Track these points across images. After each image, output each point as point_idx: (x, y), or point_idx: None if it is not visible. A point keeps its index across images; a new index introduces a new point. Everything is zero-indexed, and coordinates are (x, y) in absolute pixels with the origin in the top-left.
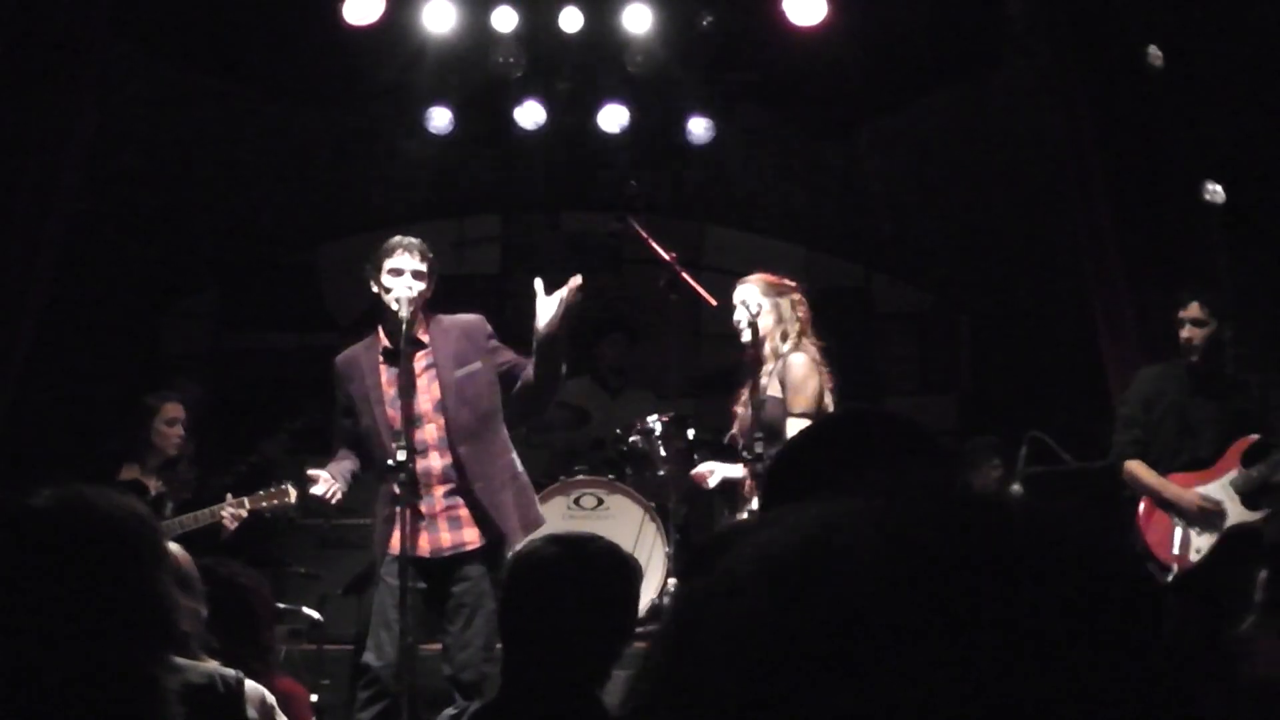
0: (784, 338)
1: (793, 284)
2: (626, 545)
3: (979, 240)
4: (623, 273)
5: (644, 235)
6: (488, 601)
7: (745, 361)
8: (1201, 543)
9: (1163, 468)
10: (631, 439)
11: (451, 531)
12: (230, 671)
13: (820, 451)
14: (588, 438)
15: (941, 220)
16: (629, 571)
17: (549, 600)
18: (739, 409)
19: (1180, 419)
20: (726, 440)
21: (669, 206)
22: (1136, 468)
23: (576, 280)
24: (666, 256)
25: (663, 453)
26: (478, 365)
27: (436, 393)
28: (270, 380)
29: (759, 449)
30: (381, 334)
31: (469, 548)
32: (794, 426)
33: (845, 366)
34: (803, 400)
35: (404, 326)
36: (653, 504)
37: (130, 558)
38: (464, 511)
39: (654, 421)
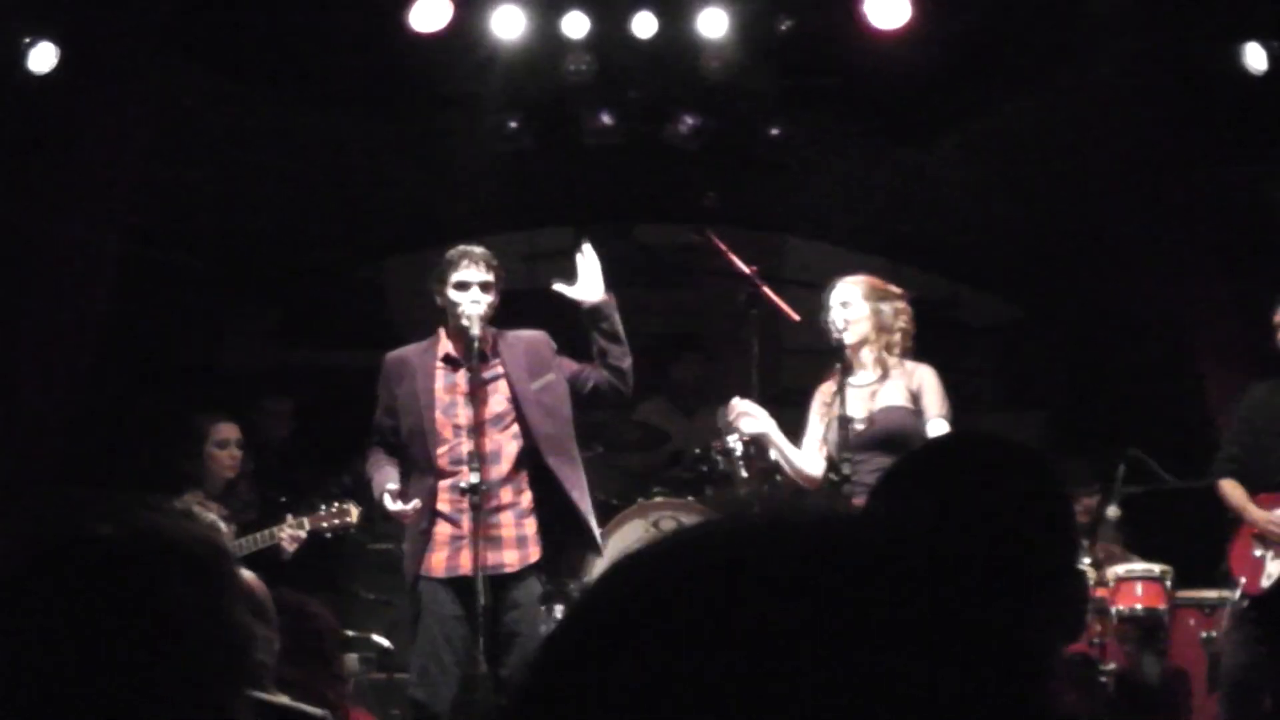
0: (889, 348)
1: (898, 291)
2: None
3: (1070, 249)
4: (698, 287)
5: (722, 248)
6: (541, 628)
7: (841, 367)
8: (1275, 568)
9: (1260, 488)
10: (711, 459)
11: (517, 549)
12: (317, 712)
13: (920, 470)
14: (665, 459)
15: (1030, 229)
16: None
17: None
18: (821, 414)
19: None
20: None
21: (747, 218)
22: (1228, 487)
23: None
24: (746, 270)
25: (744, 473)
26: (552, 376)
27: (501, 406)
28: (335, 399)
29: (846, 469)
30: (444, 339)
31: (531, 560)
32: (937, 428)
33: None
34: (944, 405)
35: (474, 343)
36: None
37: (204, 589)
38: (527, 528)
39: (734, 441)
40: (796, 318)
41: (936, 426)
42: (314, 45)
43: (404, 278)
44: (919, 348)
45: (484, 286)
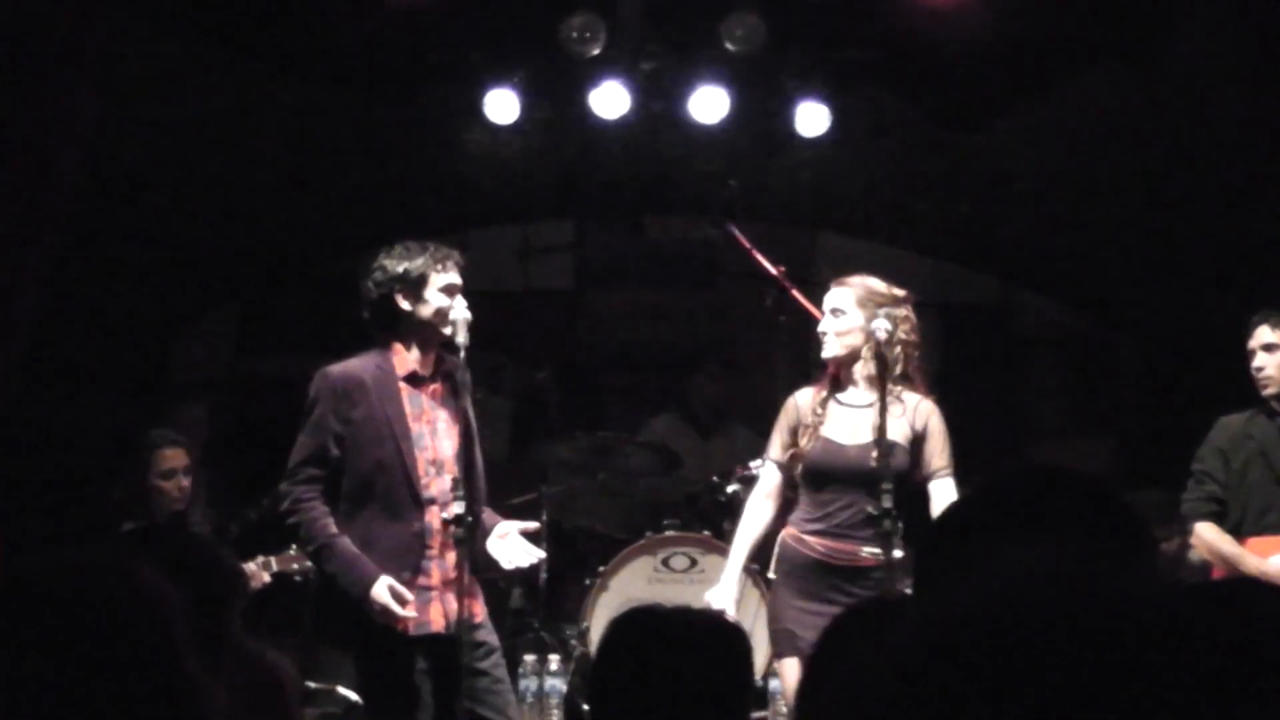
0: (887, 367)
1: (901, 294)
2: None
3: (1145, 248)
4: (718, 289)
5: (745, 244)
6: (536, 682)
7: (830, 378)
8: None
9: (1247, 531)
10: (731, 488)
11: (472, 598)
12: None
13: (992, 518)
14: (677, 486)
15: (1099, 224)
16: (738, 647)
17: (645, 688)
18: (804, 444)
19: (1269, 472)
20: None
21: (775, 210)
22: (1209, 532)
23: (533, 526)
24: (773, 270)
25: None
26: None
27: (456, 438)
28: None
29: (887, 503)
30: (401, 352)
31: (481, 617)
32: (944, 491)
33: (979, 401)
34: (949, 454)
35: (462, 353)
36: (755, 565)
37: (158, 638)
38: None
39: (758, 466)
40: None
41: (944, 489)
42: (278, 9)
43: None
44: (970, 361)
45: (463, 293)
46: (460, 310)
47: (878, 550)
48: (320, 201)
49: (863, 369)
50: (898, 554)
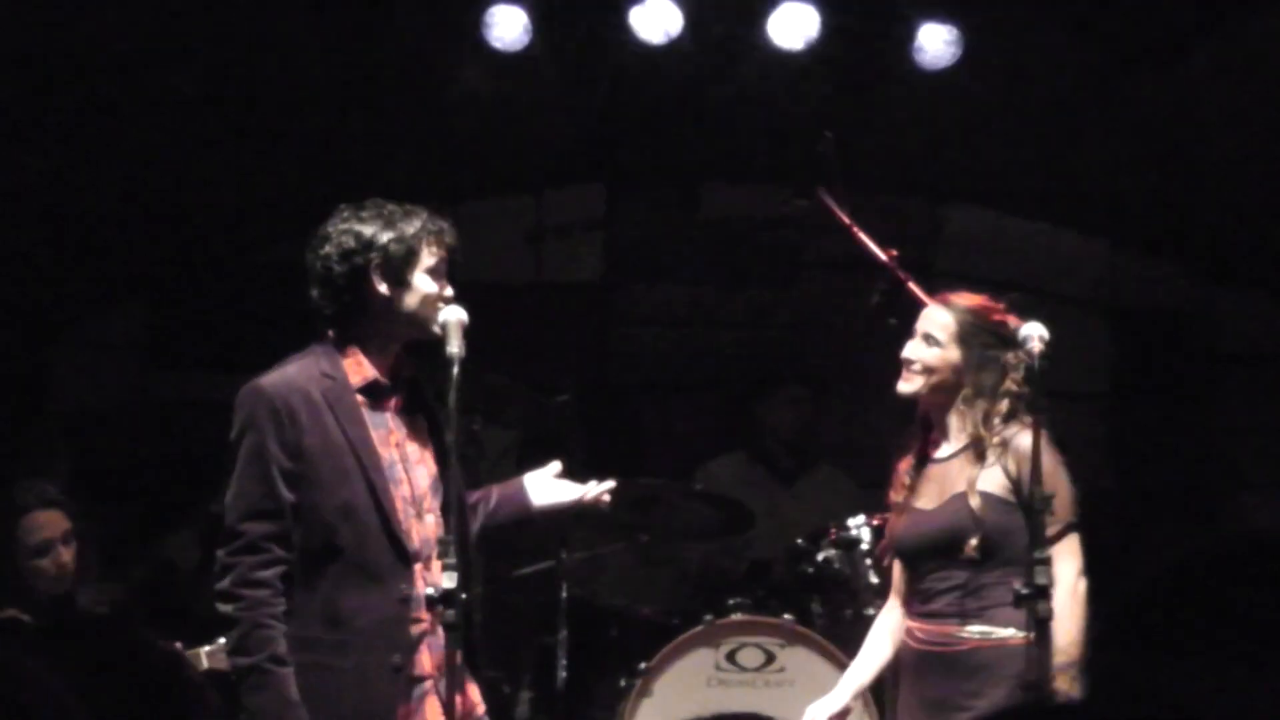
0: (986, 417)
1: (1014, 324)
2: None
3: None
4: (803, 283)
5: (844, 220)
6: None
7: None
8: None
9: None
10: (822, 554)
11: (470, 697)
12: None
13: (1179, 616)
14: (747, 552)
15: None
16: None
17: None
18: (898, 511)
19: None
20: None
21: (884, 174)
22: None
23: (608, 485)
24: (881, 255)
25: (874, 579)
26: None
27: (431, 465)
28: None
29: (1042, 579)
30: (360, 358)
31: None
32: (1068, 567)
33: (1161, 435)
34: (1068, 498)
35: (454, 367)
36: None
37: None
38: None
39: (859, 526)
40: None
41: (1068, 566)
42: None
43: None
44: (1156, 383)
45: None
46: (453, 310)
47: (982, 628)
48: (257, 162)
49: (955, 420)
50: (1020, 634)
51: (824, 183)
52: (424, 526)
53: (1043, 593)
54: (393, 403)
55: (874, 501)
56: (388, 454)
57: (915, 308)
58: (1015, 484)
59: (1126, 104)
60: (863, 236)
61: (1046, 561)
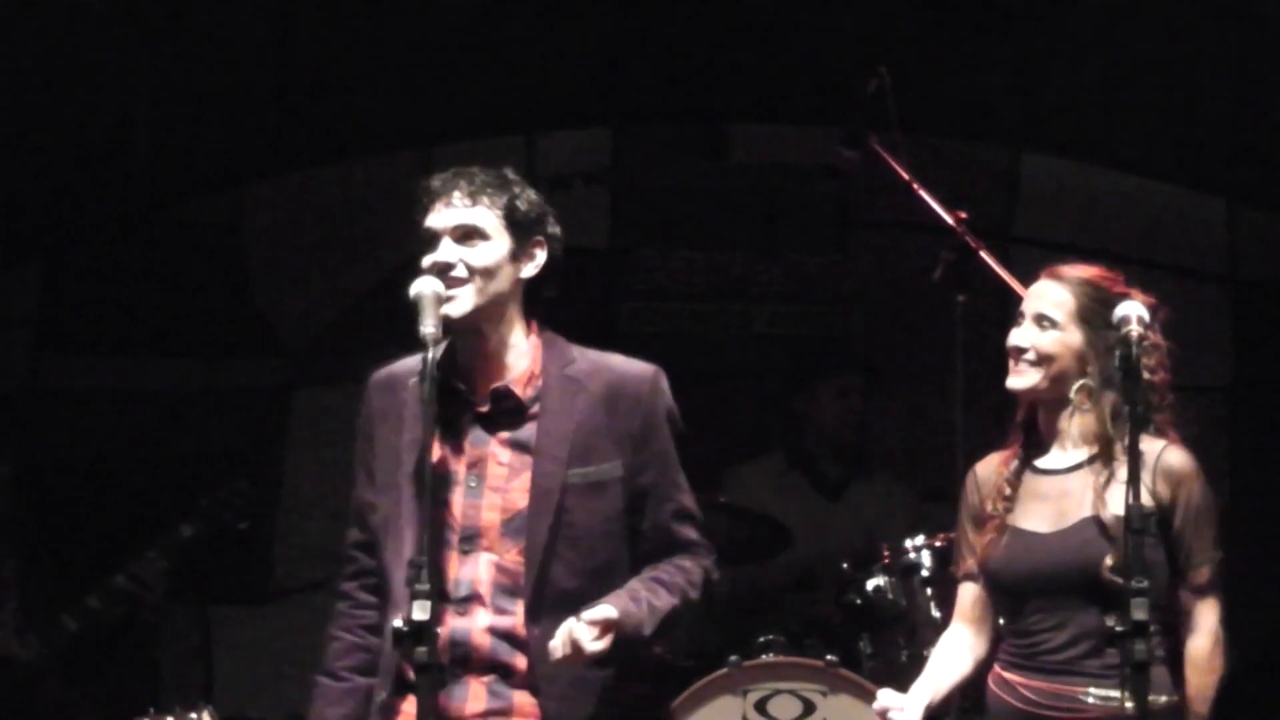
0: (1115, 417)
1: (1150, 302)
2: None
3: None
4: (852, 250)
5: (903, 174)
6: None
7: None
8: None
9: None
10: (873, 582)
11: None
12: None
13: None
14: (783, 577)
15: None
16: None
17: None
18: (985, 543)
19: None
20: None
21: (952, 117)
22: None
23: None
24: (948, 218)
25: (935, 611)
26: (613, 467)
27: (518, 501)
28: (138, 453)
29: (1139, 614)
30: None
31: None
32: (1209, 610)
33: None
34: (1214, 538)
35: (429, 366)
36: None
37: None
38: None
39: (918, 548)
40: None
41: (1213, 614)
42: None
43: (286, 218)
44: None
45: (465, 236)
46: (426, 282)
47: (1113, 694)
48: (188, 110)
49: (1077, 419)
50: (1161, 698)
51: (878, 128)
52: (470, 565)
53: (1141, 630)
54: (483, 411)
55: (938, 518)
56: (450, 471)
57: (987, 280)
58: (1166, 512)
59: (1249, 35)
60: (924, 194)
61: (1145, 593)
